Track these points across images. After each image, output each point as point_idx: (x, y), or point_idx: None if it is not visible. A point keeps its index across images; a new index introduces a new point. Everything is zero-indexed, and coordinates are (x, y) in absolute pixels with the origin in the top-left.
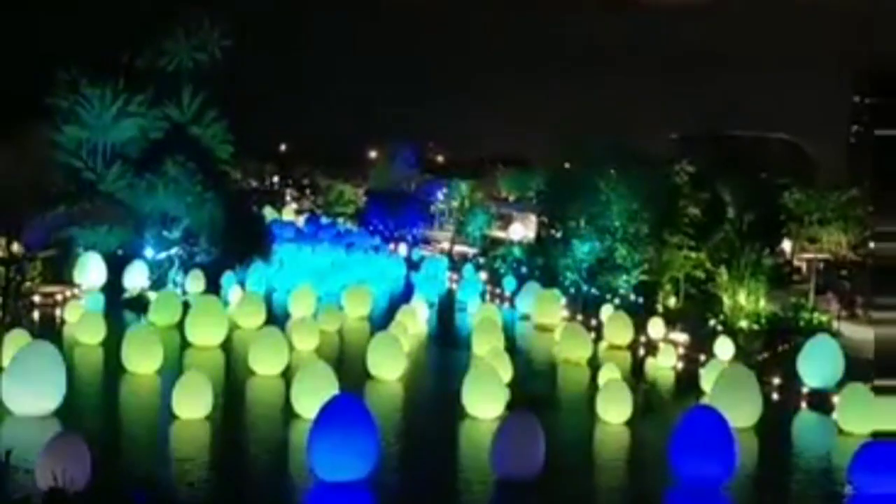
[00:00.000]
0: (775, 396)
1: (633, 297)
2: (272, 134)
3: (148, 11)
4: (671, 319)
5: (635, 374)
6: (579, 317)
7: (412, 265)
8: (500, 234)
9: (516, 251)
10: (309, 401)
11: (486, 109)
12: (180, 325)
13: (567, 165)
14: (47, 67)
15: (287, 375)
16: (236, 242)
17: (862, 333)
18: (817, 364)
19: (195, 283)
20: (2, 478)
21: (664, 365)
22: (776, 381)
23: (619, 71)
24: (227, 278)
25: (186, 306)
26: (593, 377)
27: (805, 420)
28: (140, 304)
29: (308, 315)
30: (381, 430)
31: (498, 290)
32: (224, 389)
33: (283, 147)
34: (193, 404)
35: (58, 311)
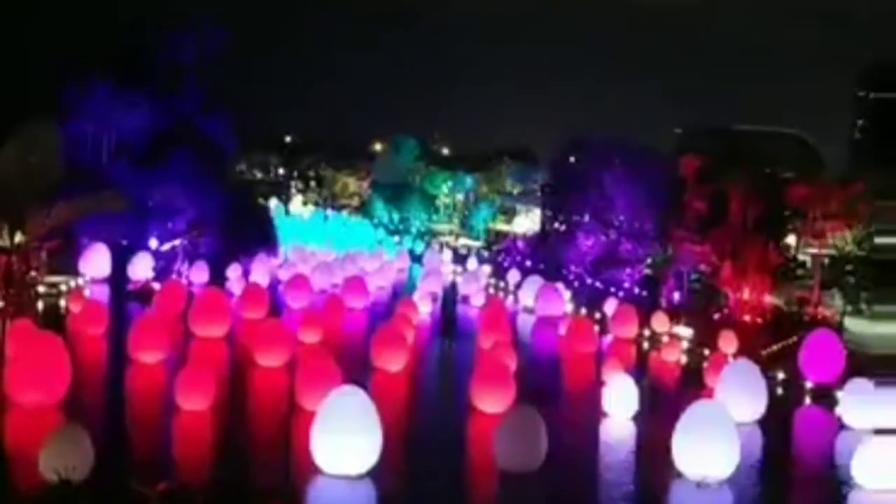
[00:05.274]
0: (779, 391)
1: (637, 290)
2: (277, 125)
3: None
4: (675, 313)
5: (640, 368)
6: (583, 310)
7: (415, 258)
8: (504, 227)
9: (520, 244)
10: (312, 393)
11: (492, 103)
12: (184, 316)
13: (572, 159)
14: (53, 62)
15: (290, 367)
16: (241, 234)
17: (867, 328)
18: (818, 359)
19: (200, 274)
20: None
21: (668, 359)
22: (780, 375)
23: (625, 66)
24: (232, 270)
25: (191, 297)
26: (598, 371)
27: (808, 415)
28: (145, 295)
29: (310, 307)
30: (384, 423)
31: (502, 284)
32: (228, 381)
33: (288, 139)
34: (197, 396)
35: (62, 302)
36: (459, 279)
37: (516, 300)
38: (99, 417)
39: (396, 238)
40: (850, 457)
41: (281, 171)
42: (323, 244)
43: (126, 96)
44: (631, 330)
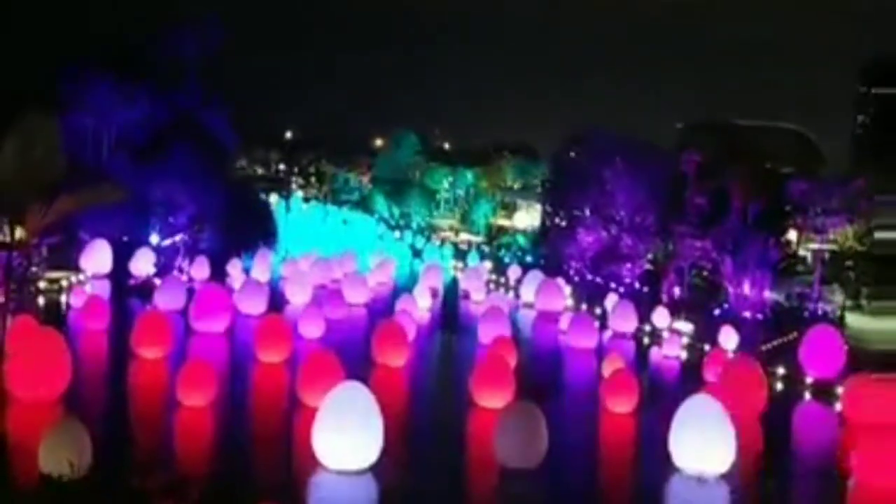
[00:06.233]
0: (780, 387)
1: (637, 285)
2: (277, 121)
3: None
4: (676, 308)
5: (640, 364)
6: (583, 305)
7: (416, 253)
8: (505, 222)
9: (521, 240)
10: (313, 389)
11: (492, 98)
12: (185, 312)
13: (573, 155)
14: (53, 57)
15: (291, 363)
16: (242, 229)
17: (867, 324)
18: (819, 354)
19: (200, 269)
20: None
21: (668, 354)
22: (780, 371)
23: (625, 62)
24: (233, 265)
25: (191, 293)
26: (598, 366)
27: (809, 410)
28: (146, 291)
29: (311, 302)
30: (385, 419)
31: (502, 279)
32: (228, 377)
33: (288, 134)
34: (197, 392)
35: (63, 297)
36: (460, 274)
37: (517, 295)
38: (99, 413)
39: (397, 233)
40: (849, 453)
41: (281, 166)
42: (328, 249)
43: (126, 90)
44: (631, 325)
